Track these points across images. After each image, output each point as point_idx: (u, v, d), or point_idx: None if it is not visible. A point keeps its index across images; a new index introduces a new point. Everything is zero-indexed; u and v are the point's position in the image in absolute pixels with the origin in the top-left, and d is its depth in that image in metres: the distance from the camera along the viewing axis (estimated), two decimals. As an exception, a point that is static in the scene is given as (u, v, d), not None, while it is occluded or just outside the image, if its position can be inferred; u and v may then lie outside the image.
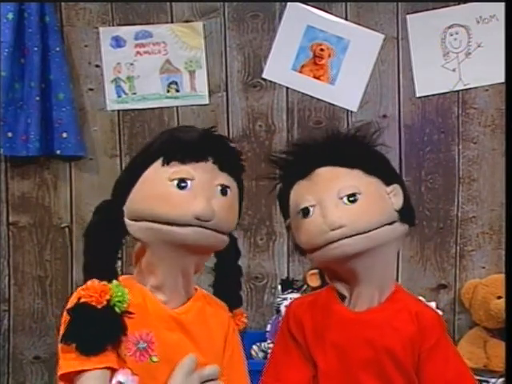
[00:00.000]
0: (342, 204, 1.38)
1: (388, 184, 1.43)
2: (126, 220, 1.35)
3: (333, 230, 1.37)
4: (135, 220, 1.34)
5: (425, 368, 1.43)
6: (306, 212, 1.40)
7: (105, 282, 1.30)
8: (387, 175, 1.44)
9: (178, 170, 1.33)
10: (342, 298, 1.47)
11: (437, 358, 1.43)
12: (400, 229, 1.43)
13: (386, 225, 1.39)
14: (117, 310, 1.28)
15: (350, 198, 1.38)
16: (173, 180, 1.32)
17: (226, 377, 1.40)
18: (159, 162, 1.34)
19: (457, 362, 1.46)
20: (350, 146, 1.44)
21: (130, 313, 1.30)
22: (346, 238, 1.37)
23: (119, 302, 1.28)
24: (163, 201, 1.31)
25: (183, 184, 1.31)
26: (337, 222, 1.37)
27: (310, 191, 1.41)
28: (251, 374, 1.48)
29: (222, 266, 1.48)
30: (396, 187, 1.43)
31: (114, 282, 1.31)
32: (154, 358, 1.32)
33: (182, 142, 1.36)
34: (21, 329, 2.89)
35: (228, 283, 1.47)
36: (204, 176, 1.33)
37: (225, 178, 1.36)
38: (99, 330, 1.26)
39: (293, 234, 1.47)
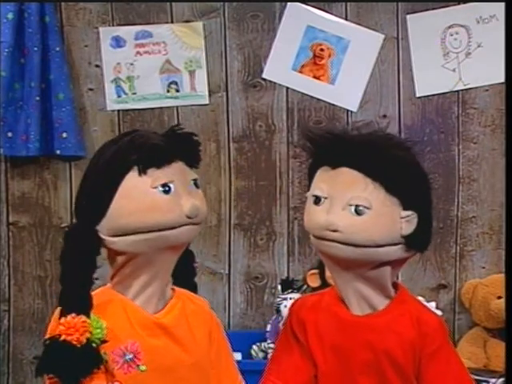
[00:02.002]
0: (349, 211, 1.37)
1: (406, 208, 1.38)
2: (107, 238, 1.35)
3: (330, 230, 1.37)
4: (121, 235, 1.34)
5: (425, 373, 1.43)
6: (317, 199, 1.41)
7: (84, 318, 1.29)
8: (409, 199, 1.39)
9: (157, 176, 1.33)
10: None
11: (438, 364, 1.43)
12: (400, 252, 1.40)
13: (387, 245, 1.38)
14: (94, 345, 1.29)
15: (358, 209, 1.37)
16: (155, 187, 1.33)
17: (215, 370, 1.42)
18: (133, 172, 1.33)
19: (458, 368, 1.46)
20: (384, 158, 1.39)
21: (105, 341, 1.30)
22: (339, 242, 1.37)
23: (98, 339, 1.29)
24: (153, 210, 1.33)
25: (167, 189, 1.33)
26: (335, 224, 1.37)
27: (328, 183, 1.41)
28: (251, 374, 1.48)
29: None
30: (412, 215, 1.38)
31: (92, 316, 1.31)
32: (142, 367, 1.33)
33: (153, 148, 1.35)
34: (21, 329, 2.89)
35: (182, 269, 1.47)
36: (181, 176, 1.36)
37: (193, 173, 1.40)
38: (76, 366, 1.27)
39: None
